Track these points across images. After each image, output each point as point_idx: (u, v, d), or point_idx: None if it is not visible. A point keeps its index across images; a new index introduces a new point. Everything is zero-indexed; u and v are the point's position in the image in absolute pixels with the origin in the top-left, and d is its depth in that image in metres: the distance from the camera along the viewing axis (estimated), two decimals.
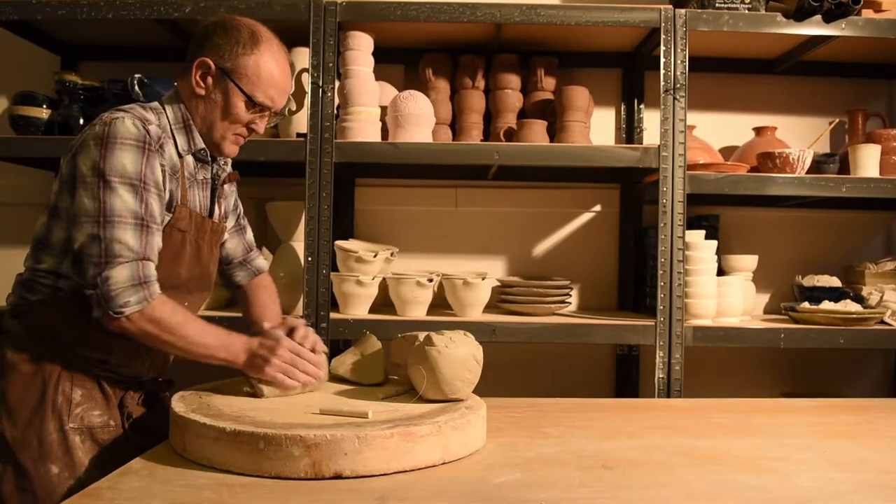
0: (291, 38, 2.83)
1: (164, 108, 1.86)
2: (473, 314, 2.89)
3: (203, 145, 1.88)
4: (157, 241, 1.74)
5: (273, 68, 1.85)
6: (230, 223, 2.18)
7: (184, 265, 1.87)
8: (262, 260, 2.29)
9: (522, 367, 3.34)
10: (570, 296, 3.10)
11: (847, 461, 1.66)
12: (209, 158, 1.94)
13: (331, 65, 2.76)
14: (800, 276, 3.20)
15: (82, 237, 1.67)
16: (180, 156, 1.85)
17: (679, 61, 2.76)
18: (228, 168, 2.09)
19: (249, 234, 2.27)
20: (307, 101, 2.78)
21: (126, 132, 1.70)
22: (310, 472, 1.42)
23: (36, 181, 3.22)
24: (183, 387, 1.96)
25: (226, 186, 2.08)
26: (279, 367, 1.80)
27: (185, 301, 1.90)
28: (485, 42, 3.13)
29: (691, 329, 2.75)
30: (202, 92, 1.84)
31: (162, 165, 1.76)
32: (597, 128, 3.22)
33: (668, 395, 2.72)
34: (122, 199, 1.67)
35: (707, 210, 3.27)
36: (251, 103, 1.84)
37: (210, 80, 1.83)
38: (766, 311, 3.40)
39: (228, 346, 1.79)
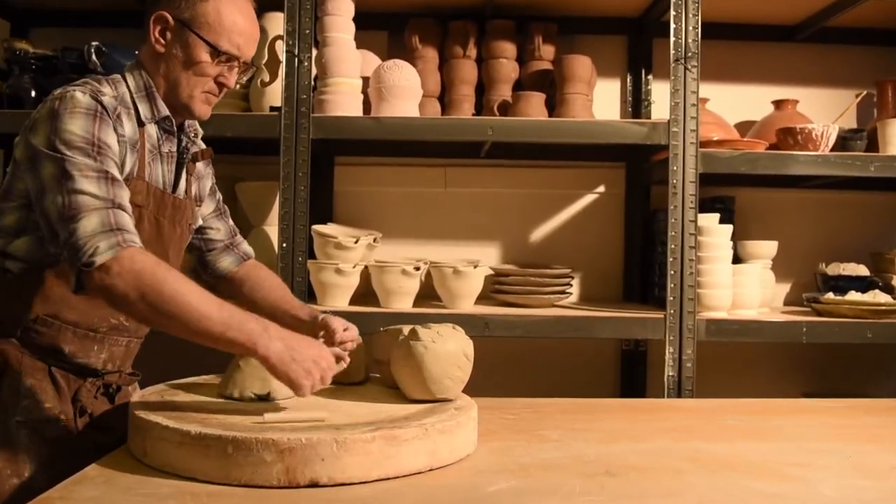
0: (264, 1, 2.82)
1: (124, 78, 1.87)
2: (464, 306, 2.89)
3: (167, 113, 1.88)
4: (126, 194, 1.71)
5: (235, 13, 1.85)
6: (208, 208, 2.17)
7: (144, 244, 1.85)
8: (248, 246, 2.27)
9: (518, 364, 3.34)
10: (571, 286, 3.10)
11: (874, 467, 1.66)
12: (174, 129, 1.93)
13: (307, 31, 2.74)
14: (823, 264, 3.21)
15: (47, 206, 1.65)
16: (142, 124, 1.84)
17: (691, 27, 2.75)
18: (200, 142, 2.09)
19: (231, 220, 2.26)
20: (281, 71, 2.76)
21: (77, 103, 1.71)
22: (283, 479, 1.41)
23: None
24: (149, 382, 1.95)
25: (199, 165, 2.08)
26: (315, 381, 1.66)
27: None
28: (477, 6, 3.13)
29: (704, 322, 2.75)
30: (162, 49, 1.84)
31: (121, 136, 1.76)
32: (600, 101, 3.21)
33: (679, 395, 2.72)
34: (79, 159, 1.66)
35: (721, 191, 3.27)
36: (216, 53, 1.83)
37: (169, 34, 1.83)
38: (786, 303, 3.41)
39: (242, 324, 1.61)
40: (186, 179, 2.01)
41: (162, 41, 1.83)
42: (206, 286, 1.77)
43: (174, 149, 1.96)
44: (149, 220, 1.86)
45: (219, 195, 2.23)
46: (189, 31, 1.82)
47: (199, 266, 2.23)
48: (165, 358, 2.45)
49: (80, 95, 1.72)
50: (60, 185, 1.64)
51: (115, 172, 1.71)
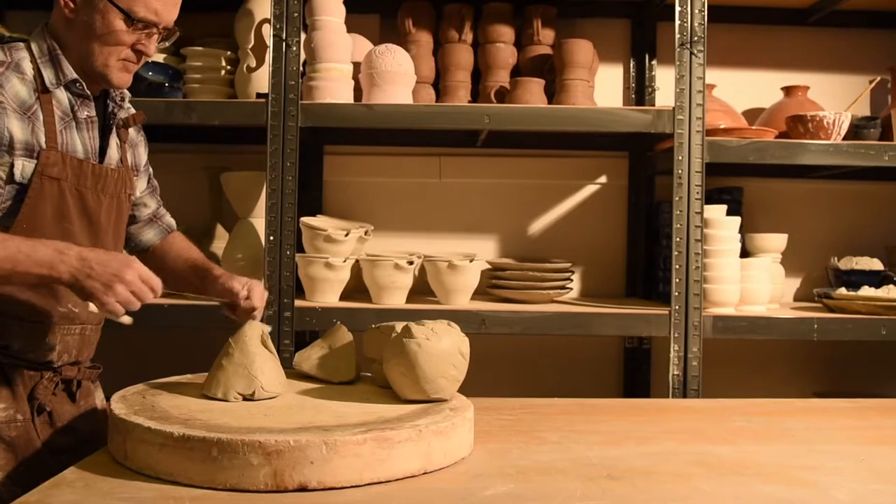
0: None
1: (28, 46, 1.82)
2: (460, 301, 2.88)
3: (75, 76, 1.82)
4: None
5: None
6: (142, 183, 2.13)
7: (73, 220, 1.81)
8: (171, 217, 2.24)
9: (516, 363, 3.34)
10: (572, 281, 3.10)
11: (888, 470, 1.66)
12: (87, 93, 1.86)
13: (296, 14, 2.73)
14: (835, 258, 3.21)
15: None
16: (47, 90, 1.79)
17: (697, 10, 2.75)
18: (128, 107, 2.03)
19: (158, 195, 2.22)
20: (268, 56, 2.76)
21: None
22: (270, 483, 1.41)
23: None
24: (128, 381, 1.93)
25: (131, 131, 2.03)
26: (120, 296, 1.64)
27: None
28: None
29: (711, 319, 2.75)
30: (71, 15, 1.78)
31: (0, 102, 1.72)
32: (602, 87, 3.20)
33: (684, 395, 2.72)
34: None
35: (729, 182, 3.28)
36: (131, 20, 1.77)
37: None
38: (796, 299, 3.42)
39: (31, 255, 1.61)
40: (120, 147, 1.97)
41: (71, 5, 1.78)
42: None
43: (93, 114, 1.90)
44: (70, 193, 1.81)
45: (150, 169, 2.17)
46: None
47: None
48: (146, 357, 2.45)
49: None
50: None
51: None
